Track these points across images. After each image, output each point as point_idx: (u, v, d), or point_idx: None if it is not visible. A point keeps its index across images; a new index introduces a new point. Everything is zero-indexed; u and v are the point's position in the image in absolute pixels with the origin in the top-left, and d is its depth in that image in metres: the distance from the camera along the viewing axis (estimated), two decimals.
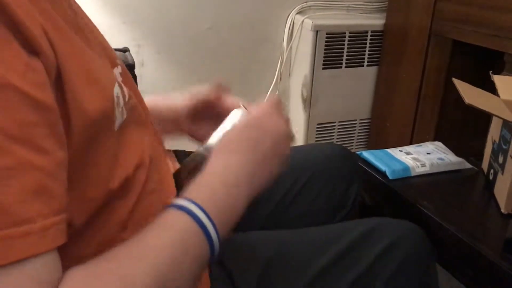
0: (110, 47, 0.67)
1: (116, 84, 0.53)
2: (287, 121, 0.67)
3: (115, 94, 0.51)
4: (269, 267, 0.68)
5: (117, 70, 0.64)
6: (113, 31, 1.60)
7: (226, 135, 0.64)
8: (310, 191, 0.88)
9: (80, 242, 0.49)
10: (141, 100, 0.68)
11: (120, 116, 0.52)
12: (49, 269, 0.38)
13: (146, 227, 0.48)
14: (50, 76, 0.40)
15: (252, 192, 0.58)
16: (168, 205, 0.52)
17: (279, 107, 0.67)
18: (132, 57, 1.39)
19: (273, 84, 1.91)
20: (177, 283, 0.46)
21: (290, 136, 0.66)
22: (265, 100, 0.69)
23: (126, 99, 0.55)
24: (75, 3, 0.61)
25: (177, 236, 0.48)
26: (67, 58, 0.43)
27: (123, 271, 0.42)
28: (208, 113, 0.80)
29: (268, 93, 1.91)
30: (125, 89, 0.56)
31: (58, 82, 0.42)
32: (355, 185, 0.93)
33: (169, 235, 0.48)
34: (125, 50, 1.41)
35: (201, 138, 0.79)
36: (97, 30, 0.65)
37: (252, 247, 0.72)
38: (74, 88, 0.43)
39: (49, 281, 0.38)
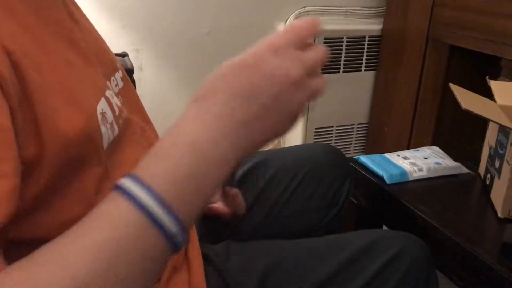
0: (110, 52, 0.66)
1: (103, 99, 0.50)
2: (308, 59, 0.48)
3: (99, 110, 0.48)
4: (267, 278, 0.67)
5: (118, 75, 0.63)
6: (112, 36, 1.60)
7: (211, 76, 0.48)
8: (305, 190, 0.89)
9: None
10: (139, 110, 0.67)
11: (110, 132, 0.50)
12: None
13: (80, 221, 0.40)
14: (10, 99, 0.37)
15: (239, 153, 0.45)
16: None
17: (297, 39, 0.48)
18: (130, 61, 1.39)
19: None
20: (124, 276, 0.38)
21: (305, 83, 0.47)
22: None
23: (117, 113, 0.53)
24: (78, 10, 0.60)
25: (110, 233, 0.38)
26: (41, 74, 0.42)
27: (34, 283, 0.35)
28: None
29: None
30: (115, 102, 0.54)
31: (25, 104, 0.39)
32: (347, 183, 0.94)
33: (100, 232, 0.38)
34: (123, 54, 1.41)
35: None
36: (99, 37, 0.64)
37: (249, 257, 0.70)
38: (46, 105, 0.41)
39: None
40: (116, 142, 0.52)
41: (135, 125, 0.61)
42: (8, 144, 0.37)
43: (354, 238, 0.77)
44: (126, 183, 0.40)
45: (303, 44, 0.48)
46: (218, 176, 0.43)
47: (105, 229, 0.38)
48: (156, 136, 0.69)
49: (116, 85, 0.62)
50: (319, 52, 0.49)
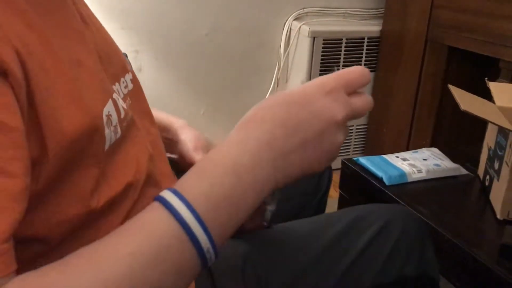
0: (121, 53, 0.66)
1: (110, 101, 0.50)
2: (354, 106, 0.50)
3: (105, 113, 0.48)
4: (249, 263, 0.66)
5: (128, 77, 0.63)
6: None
7: (258, 106, 0.49)
8: None
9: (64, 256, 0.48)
10: (147, 113, 0.66)
11: (112, 135, 0.50)
12: None
13: (118, 228, 0.41)
14: (19, 98, 0.38)
15: (272, 183, 0.46)
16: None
17: (348, 85, 0.50)
18: (130, 62, 1.39)
19: (270, 89, 1.92)
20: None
21: (345, 127, 0.50)
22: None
23: (122, 116, 0.53)
24: (89, 12, 0.60)
25: (148, 242, 0.39)
26: (47, 74, 0.42)
27: (67, 284, 0.36)
28: None
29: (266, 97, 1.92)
30: (121, 104, 0.54)
31: (30, 101, 0.40)
32: (327, 171, 0.95)
33: (137, 240, 0.39)
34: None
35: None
36: (109, 39, 0.64)
37: (231, 244, 0.70)
38: (51, 106, 0.42)
39: None
40: (117, 144, 0.52)
41: (139, 126, 0.61)
42: (19, 144, 0.38)
43: (339, 215, 0.76)
44: (168, 196, 0.42)
45: (352, 90, 0.50)
46: (252, 202, 0.45)
47: (142, 237, 0.40)
48: (156, 141, 0.69)
49: (126, 86, 0.62)
50: (365, 100, 0.51)
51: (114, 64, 0.59)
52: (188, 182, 0.44)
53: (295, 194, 0.90)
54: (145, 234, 0.40)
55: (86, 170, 0.46)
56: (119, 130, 0.52)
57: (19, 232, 0.39)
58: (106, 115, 0.49)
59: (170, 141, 0.82)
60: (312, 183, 0.93)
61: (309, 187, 0.93)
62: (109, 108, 0.50)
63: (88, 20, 0.56)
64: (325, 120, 0.47)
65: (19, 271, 0.37)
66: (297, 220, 0.76)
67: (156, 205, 0.42)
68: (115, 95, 0.53)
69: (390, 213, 0.75)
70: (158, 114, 0.82)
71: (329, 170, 0.97)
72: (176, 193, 0.42)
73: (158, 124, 0.80)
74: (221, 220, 0.43)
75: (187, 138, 0.80)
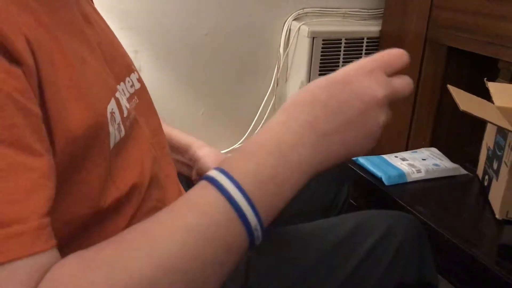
0: (126, 53, 0.66)
1: (113, 100, 0.51)
2: (394, 86, 0.50)
3: (109, 110, 0.49)
4: (252, 265, 0.66)
5: (134, 76, 0.64)
6: None
7: (300, 90, 0.50)
8: (305, 192, 0.89)
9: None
10: (153, 113, 0.66)
11: (116, 133, 0.50)
12: (42, 271, 0.36)
13: (169, 206, 0.42)
14: (31, 85, 0.39)
15: (314, 164, 0.46)
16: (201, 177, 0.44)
17: (387, 66, 0.51)
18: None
19: (269, 90, 1.92)
20: (196, 275, 0.39)
21: (387, 107, 0.50)
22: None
23: (125, 115, 0.53)
24: (94, 12, 0.61)
25: (199, 219, 0.40)
26: (55, 69, 0.43)
27: (122, 262, 0.37)
28: None
29: (265, 99, 1.92)
30: (124, 103, 0.54)
31: (40, 93, 0.41)
32: (346, 185, 0.94)
33: (189, 217, 0.40)
34: None
35: None
36: (114, 39, 0.64)
37: None
38: (58, 100, 0.42)
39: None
40: (122, 144, 0.52)
41: (143, 127, 0.61)
42: (40, 128, 0.39)
43: (340, 221, 0.76)
44: (216, 175, 0.42)
45: (392, 71, 0.51)
46: (296, 182, 0.45)
47: (193, 214, 0.40)
48: (161, 142, 0.69)
49: (132, 85, 0.62)
50: (406, 81, 0.51)
51: (119, 63, 0.59)
52: (235, 162, 0.44)
53: (311, 210, 0.89)
54: (196, 211, 0.41)
55: (93, 169, 0.47)
56: (122, 129, 0.52)
57: None
58: (110, 113, 0.49)
59: (189, 160, 0.82)
60: (327, 199, 0.92)
61: (323, 204, 0.91)
62: (112, 106, 0.50)
63: (92, 20, 0.57)
64: (366, 100, 0.47)
65: None
66: (300, 224, 0.76)
67: (204, 184, 0.42)
68: (118, 94, 0.53)
69: (392, 220, 0.75)
70: (176, 133, 0.83)
71: (349, 184, 0.95)
72: (223, 172, 0.42)
73: (177, 144, 0.81)
74: (267, 198, 0.43)
75: (207, 154, 0.81)
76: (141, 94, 0.64)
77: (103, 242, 0.39)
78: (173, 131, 0.84)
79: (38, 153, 0.38)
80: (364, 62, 0.51)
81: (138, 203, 0.53)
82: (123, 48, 0.66)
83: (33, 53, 0.40)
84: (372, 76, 0.49)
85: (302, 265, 0.68)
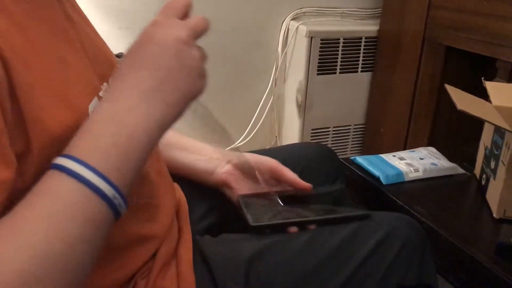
0: (111, 54, 0.66)
1: (96, 99, 0.51)
2: (191, 25, 0.54)
3: (91, 109, 0.49)
4: (252, 267, 0.66)
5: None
6: (108, 37, 1.59)
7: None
8: None
9: None
10: None
11: None
12: None
13: (26, 198, 0.42)
14: (1, 93, 0.39)
15: (158, 116, 0.48)
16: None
17: (173, 11, 0.55)
18: None
19: (267, 89, 1.92)
20: (68, 256, 0.40)
21: (197, 46, 0.54)
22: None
23: None
24: (76, 11, 0.61)
25: (56, 204, 0.41)
26: (30, 71, 0.43)
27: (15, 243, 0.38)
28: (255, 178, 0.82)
29: (263, 98, 1.92)
30: None
31: (12, 98, 0.41)
32: (339, 181, 0.95)
33: (46, 204, 0.41)
34: (120, 55, 1.41)
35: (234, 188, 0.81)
36: (97, 38, 0.64)
37: (234, 246, 0.70)
38: (33, 102, 0.42)
39: None
40: None
41: None
42: (2, 143, 0.39)
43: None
44: (61, 161, 0.43)
45: (182, 14, 0.55)
46: (145, 140, 0.47)
47: (50, 201, 0.41)
48: None
49: None
50: (199, 17, 0.56)
51: (102, 63, 0.59)
52: (72, 142, 0.45)
53: None
54: (51, 198, 0.42)
55: None
56: None
57: None
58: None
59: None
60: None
61: None
62: (94, 105, 0.50)
63: (74, 19, 0.56)
64: (172, 44, 0.51)
65: None
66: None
67: (51, 172, 0.43)
68: (102, 93, 0.54)
69: (393, 222, 0.75)
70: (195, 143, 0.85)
71: (341, 181, 0.96)
72: (67, 156, 0.43)
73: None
74: (116, 165, 0.44)
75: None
76: None
77: None
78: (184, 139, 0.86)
79: None
80: (155, 18, 0.54)
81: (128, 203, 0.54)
82: (107, 47, 0.66)
83: (3, 60, 0.40)
84: (166, 24, 0.53)
85: (303, 267, 0.68)
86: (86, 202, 0.42)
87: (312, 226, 0.75)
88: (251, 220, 0.73)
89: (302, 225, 0.74)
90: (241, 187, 0.80)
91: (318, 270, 0.69)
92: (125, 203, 0.45)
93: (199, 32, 0.55)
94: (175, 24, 0.53)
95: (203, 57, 0.55)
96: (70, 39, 0.52)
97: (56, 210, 0.41)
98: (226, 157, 0.83)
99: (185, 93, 0.51)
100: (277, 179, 0.82)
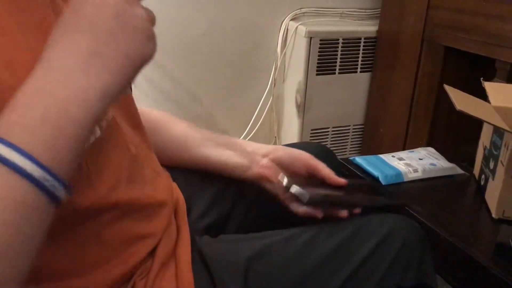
0: None
1: None
2: None
3: None
4: (250, 268, 0.67)
5: None
6: None
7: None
8: None
9: (51, 258, 0.48)
10: (130, 116, 0.66)
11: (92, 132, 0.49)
12: None
13: None
14: None
15: (99, 84, 0.42)
16: None
17: None
18: None
19: (267, 90, 1.92)
20: (4, 245, 0.37)
21: (137, 3, 0.48)
22: None
23: None
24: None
25: None
26: (14, 73, 0.43)
27: None
28: (292, 170, 0.83)
29: (262, 99, 1.92)
30: None
31: None
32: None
33: None
34: None
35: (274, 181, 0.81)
36: None
37: (233, 246, 0.71)
38: None
39: None
40: (99, 144, 0.51)
41: (123, 127, 0.60)
42: None
43: (342, 224, 0.77)
44: None
45: None
46: (80, 114, 0.41)
47: None
48: (147, 140, 0.69)
49: None
50: None
51: None
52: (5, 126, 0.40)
53: None
54: None
55: None
56: (97, 129, 0.51)
57: None
58: None
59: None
60: None
61: None
62: None
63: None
64: (111, 3, 0.44)
65: None
66: (301, 226, 0.77)
67: None
68: None
69: (393, 223, 0.76)
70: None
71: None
72: None
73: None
74: (47, 143, 0.39)
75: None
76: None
77: None
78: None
79: None
80: None
81: (119, 204, 0.54)
82: None
83: None
84: None
85: (302, 267, 0.68)
86: (10, 185, 0.37)
87: (358, 210, 0.77)
88: (306, 194, 0.74)
89: (351, 206, 0.77)
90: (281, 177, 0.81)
91: (317, 271, 0.69)
92: (63, 185, 0.40)
93: None
94: None
95: (151, 18, 0.49)
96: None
97: None
98: (261, 150, 0.84)
99: (131, 57, 0.45)
100: (312, 174, 0.83)
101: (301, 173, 0.83)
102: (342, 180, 0.82)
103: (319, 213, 0.79)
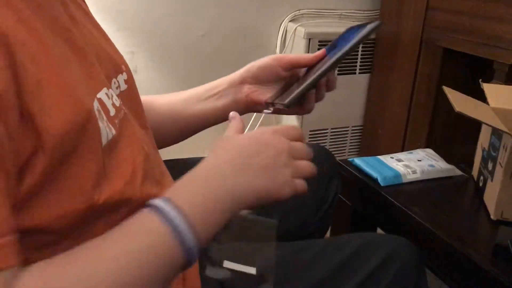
0: (116, 53, 0.66)
1: (96, 100, 0.51)
2: (292, 146, 0.61)
3: (95, 107, 0.50)
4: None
5: (121, 77, 0.64)
6: None
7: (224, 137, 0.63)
8: None
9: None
10: (138, 116, 0.67)
11: (108, 131, 0.51)
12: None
13: (116, 228, 0.48)
14: (7, 94, 0.39)
15: (239, 199, 0.55)
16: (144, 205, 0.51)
17: (285, 134, 0.62)
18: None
19: None
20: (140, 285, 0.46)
21: (293, 161, 0.60)
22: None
23: (112, 114, 0.54)
24: (80, 11, 0.61)
25: (144, 239, 0.47)
26: (38, 68, 0.43)
27: (83, 275, 0.43)
28: (272, 77, 0.83)
29: None
30: (109, 103, 0.55)
31: (19, 95, 0.41)
32: (335, 181, 0.96)
33: (136, 238, 0.47)
34: None
35: (263, 102, 0.81)
36: (102, 38, 0.64)
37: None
38: (42, 99, 0.43)
39: None
40: (115, 142, 0.52)
41: (134, 128, 0.61)
42: (2, 147, 0.39)
43: (345, 241, 0.77)
44: (156, 201, 0.50)
45: (290, 138, 0.62)
46: (225, 206, 0.54)
47: (139, 236, 0.48)
48: (151, 142, 0.69)
49: (118, 87, 0.62)
50: (303, 144, 0.63)
51: (105, 64, 0.59)
52: (171, 191, 0.53)
53: (305, 203, 0.90)
54: (142, 233, 0.48)
55: (85, 165, 0.47)
56: (111, 127, 0.52)
57: (21, 224, 0.40)
58: (97, 110, 0.50)
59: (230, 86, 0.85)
60: (319, 194, 0.93)
61: (315, 198, 0.93)
62: (96, 104, 0.51)
63: (77, 18, 0.56)
64: (275, 147, 0.59)
65: (30, 258, 0.41)
66: (305, 240, 0.78)
67: (145, 209, 0.50)
68: (101, 93, 0.54)
69: (394, 245, 0.77)
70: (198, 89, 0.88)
71: (338, 180, 0.98)
72: (163, 198, 0.50)
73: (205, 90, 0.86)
74: (201, 218, 0.51)
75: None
76: (127, 96, 0.64)
77: (62, 259, 0.44)
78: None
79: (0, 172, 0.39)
80: (268, 127, 0.63)
81: (133, 200, 0.54)
82: (112, 49, 0.66)
83: (11, 55, 0.40)
84: (277, 134, 0.61)
85: (309, 280, 0.69)
86: (169, 247, 0.48)
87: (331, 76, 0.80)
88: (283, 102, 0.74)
89: (332, 69, 0.75)
90: (268, 94, 0.82)
91: (324, 284, 0.70)
92: (197, 256, 0.50)
93: (300, 155, 0.62)
94: (284, 138, 0.61)
95: (298, 174, 0.60)
96: (72, 38, 0.52)
97: (144, 246, 0.47)
98: (237, 77, 0.85)
99: (266, 189, 0.57)
100: (291, 68, 0.82)
101: (284, 75, 0.82)
102: (319, 52, 0.80)
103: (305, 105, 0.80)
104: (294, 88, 0.76)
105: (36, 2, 0.47)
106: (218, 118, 0.84)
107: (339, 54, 0.75)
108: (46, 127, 0.42)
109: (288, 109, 0.75)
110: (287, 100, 0.72)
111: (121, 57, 0.68)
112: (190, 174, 0.55)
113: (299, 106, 0.80)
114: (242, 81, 0.83)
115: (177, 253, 0.48)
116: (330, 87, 0.81)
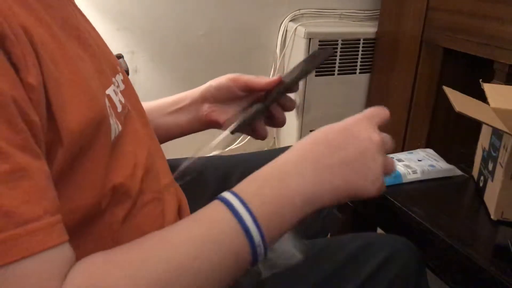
0: (111, 54, 0.67)
1: (105, 95, 0.52)
2: (382, 138, 0.57)
3: (106, 104, 0.51)
4: (260, 281, 0.68)
5: (119, 77, 0.64)
6: (107, 38, 1.59)
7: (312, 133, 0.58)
8: None
9: None
10: (138, 114, 0.67)
11: (116, 126, 0.52)
12: (57, 264, 0.39)
13: (185, 218, 0.49)
14: (34, 91, 0.40)
15: (317, 192, 0.52)
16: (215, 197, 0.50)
17: (376, 120, 0.59)
18: (126, 63, 1.39)
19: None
20: (204, 277, 0.44)
21: (383, 150, 0.56)
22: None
23: (119, 110, 0.55)
24: (79, 13, 0.62)
25: (210, 230, 0.46)
26: (57, 66, 0.44)
27: (143, 265, 0.43)
28: (231, 97, 0.81)
29: None
30: (116, 99, 0.56)
31: (45, 91, 0.42)
32: None
33: (202, 228, 0.46)
34: (119, 56, 1.41)
35: (222, 122, 0.80)
36: (98, 35, 0.65)
37: None
38: (61, 95, 0.44)
39: (58, 276, 0.39)
40: (119, 137, 0.53)
41: (137, 124, 0.62)
42: (39, 132, 0.41)
43: (345, 242, 0.78)
44: (228, 196, 0.49)
45: (379, 122, 0.59)
46: (297, 207, 0.51)
47: (206, 226, 0.47)
48: (153, 139, 0.69)
49: (118, 86, 0.62)
50: (389, 136, 0.59)
51: (107, 64, 0.60)
52: (241, 185, 0.51)
53: None
54: (208, 223, 0.47)
55: (97, 159, 0.48)
56: (118, 123, 0.53)
57: None
58: (108, 106, 0.51)
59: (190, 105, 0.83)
60: None
61: None
62: (106, 101, 0.52)
63: (80, 20, 0.57)
64: (364, 139, 0.54)
65: None
66: (313, 240, 0.78)
67: (216, 202, 0.49)
68: (110, 90, 0.55)
69: (396, 245, 0.77)
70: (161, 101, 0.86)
71: None
72: (233, 193, 0.49)
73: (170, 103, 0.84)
74: (269, 217, 0.48)
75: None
76: (126, 95, 0.64)
77: (126, 245, 0.44)
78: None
79: (40, 156, 0.40)
80: (357, 115, 0.58)
81: (135, 195, 0.55)
82: (109, 49, 0.67)
83: (36, 53, 0.41)
84: (366, 123, 0.57)
85: (312, 280, 0.70)
86: (235, 237, 0.46)
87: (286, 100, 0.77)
88: (230, 131, 0.70)
89: (287, 91, 0.74)
90: (228, 115, 0.80)
91: (327, 282, 0.70)
92: (264, 254, 0.48)
93: (389, 150, 0.58)
94: (373, 127, 0.57)
95: (386, 168, 0.56)
96: (82, 36, 0.53)
97: (209, 235, 0.46)
98: (198, 96, 0.82)
99: (350, 186, 0.53)
100: (247, 90, 0.80)
101: (241, 96, 0.80)
102: (274, 79, 0.77)
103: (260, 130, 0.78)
104: (242, 115, 0.73)
105: (47, 3, 0.48)
106: (182, 132, 0.83)
107: (288, 82, 0.73)
108: (66, 123, 0.43)
109: (241, 133, 0.73)
110: (231, 128, 0.70)
111: (115, 58, 0.68)
112: (268, 168, 0.53)
113: (252, 131, 0.78)
114: (203, 100, 0.82)
115: (245, 250, 0.47)
116: (288, 108, 0.79)
